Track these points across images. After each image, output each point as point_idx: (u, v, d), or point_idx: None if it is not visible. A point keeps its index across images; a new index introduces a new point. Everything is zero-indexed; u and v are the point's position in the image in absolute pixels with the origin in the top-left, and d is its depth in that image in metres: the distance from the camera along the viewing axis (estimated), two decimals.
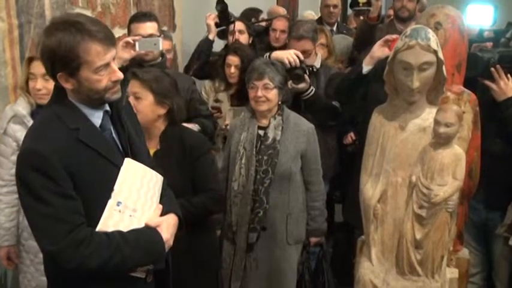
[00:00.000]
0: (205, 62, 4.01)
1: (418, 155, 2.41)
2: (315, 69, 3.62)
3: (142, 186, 2.00)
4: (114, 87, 1.89)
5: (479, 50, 3.10)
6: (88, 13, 3.55)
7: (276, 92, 2.99)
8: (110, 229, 1.89)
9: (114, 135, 2.00)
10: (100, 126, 1.95)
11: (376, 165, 2.51)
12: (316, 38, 3.70)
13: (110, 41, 1.84)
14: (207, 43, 4.01)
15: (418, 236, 2.40)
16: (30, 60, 2.78)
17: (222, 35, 4.16)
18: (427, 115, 2.44)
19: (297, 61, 3.40)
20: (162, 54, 3.30)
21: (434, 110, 2.40)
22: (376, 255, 2.52)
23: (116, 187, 1.91)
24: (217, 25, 4.01)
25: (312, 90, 3.52)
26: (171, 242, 2.03)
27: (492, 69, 2.87)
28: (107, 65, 1.84)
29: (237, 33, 4.03)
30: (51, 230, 1.80)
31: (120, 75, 1.89)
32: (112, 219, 1.90)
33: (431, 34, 2.35)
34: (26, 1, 3.13)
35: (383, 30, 4.46)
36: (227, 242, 3.11)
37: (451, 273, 2.59)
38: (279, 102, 3.05)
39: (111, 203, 1.90)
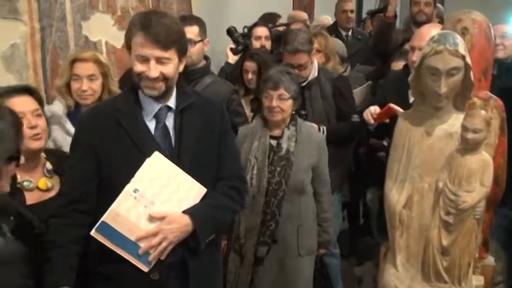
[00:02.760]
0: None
1: (445, 161, 2.40)
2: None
3: (169, 185, 2.02)
4: (149, 82, 1.99)
5: None
6: (108, 17, 3.57)
7: (291, 102, 2.88)
8: (122, 212, 1.96)
9: (170, 130, 2.07)
10: (155, 116, 2.06)
11: (402, 170, 2.49)
12: (312, 48, 3.44)
13: (157, 41, 1.94)
14: (228, 67, 4.00)
15: (445, 242, 2.38)
16: (74, 61, 2.79)
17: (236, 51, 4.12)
18: (454, 121, 2.43)
19: (372, 121, 3.07)
20: (206, 58, 3.29)
21: (461, 116, 2.38)
22: (401, 262, 2.50)
23: (137, 174, 1.96)
24: (233, 50, 4.00)
25: (323, 133, 3.32)
26: (171, 238, 1.99)
27: None
28: (146, 58, 1.96)
29: (263, 40, 4.05)
30: (61, 193, 2.08)
31: (154, 75, 1.96)
32: (126, 203, 1.97)
33: (459, 39, 2.34)
34: (48, 5, 3.14)
35: (399, 34, 4.45)
36: (233, 254, 2.98)
37: (477, 280, 2.56)
38: (293, 112, 2.95)
39: (128, 188, 1.96)
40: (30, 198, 2.13)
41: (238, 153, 2.52)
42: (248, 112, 3.61)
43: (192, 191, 2.07)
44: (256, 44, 4.16)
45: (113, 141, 2.00)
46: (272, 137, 2.93)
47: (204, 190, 2.09)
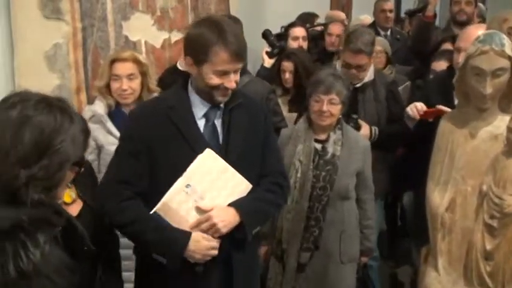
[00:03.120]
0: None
1: (490, 164, 2.35)
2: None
3: (219, 181, 2.09)
4: (223, 90, 2.08)
5: None
6: (147, 17, 3.60)
7: (340, 107, 2.80)
8: (174, 205, 2.04)
9: (218, 128, 2.15)
10: (204, 115, 2.14)
11: (445, 172, 2.44)
12: (373, 50, 3.41)
13: (238, 56, 2.05)
14: (264, 71, 4.00)
15: (489, 246, 2.33)
16: (113, 62, 2.82)
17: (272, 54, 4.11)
18: (499, 122, 2.37)
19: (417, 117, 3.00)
20: None
21: (506, 118, 2.33)
22: (443, 265, 2.45)
23: (188, 170, 2.04)
24: (269, 54, 3.99)
25: (375, 135, 3.29)
26: (221, 227, 2.06)
27: None
28: (226, 73, 2.04)
29: (300, 40, 4.03)
30: (107, 172, 2.16)
31: (234, 85, 2.07)
32: (178, 196, 2.05)
33: (506, 39, 2.29)
34: (90, 5, 3.18)
35: (439, 34, 4.38)
36: (274, 260, 2.91)
37: None
38: (339, 116, 2.89)
39: (181, 182, 2.04)
40: None
41: (280, 152, 2.55)
42: (285, 112, 3.60)
43: (240, 187, 2.14)
44: (293, 44, 4.15)
45: (165, 138, 2.08)
46: (317, 141, 2.86)
47: (250, 186, 2.16)
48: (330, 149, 2.81)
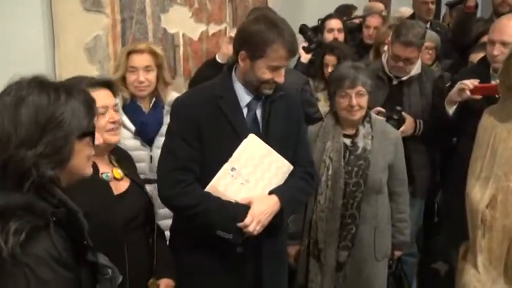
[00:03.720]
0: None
1: None
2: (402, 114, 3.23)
3: (262, 164, 2.22)
4: (271, 84, 2.21)
5: None
6: (185, 10, 3.62)
7: (367, 97, 2.75)
8: (221, 188, 2.18)
9: (259, 117, 2.29)
10: (247, 105, 2.27)
11: (486, 168, 2.39)
12: (423, 44, 3.34)
13: (293, 53, 2.23)
14: (301, 66, 3.97)
15: None
16: (129, 53, 2.79)
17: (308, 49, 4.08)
18: None
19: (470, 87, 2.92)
20: None
21: None
22: (482, 263, 2.40)
23: (234, 154, 2.18)
24: (306, 49, 3.95)
25: (420, 128, 3.24)
26: (263, 220, 2.18)
27: None
28: (279, 67, 2.18)
29: (336, 32, 3.99)
30: (165, 159, 2.26)
31: (283, 80, 2.21)
32: (224, 180, 2.19)
33: None
34: None
35: (480, 26, 4.27)
36: (313, 261, 2.84)
37: None
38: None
39: (226, 166, 2.18)
40: (114, 189, 2.14)
41: (308, 141, 2.64)
42: (327, 107, 3.56)
43: (282, 168, 2.27)
44: (328, 37, 4.11)
45: (213, 125, 2.21)
46: (346, 136, 2.80)
47: (291, 167, 2.30)
48: (361, 143, 2.75)
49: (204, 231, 2.21)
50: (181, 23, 3.56)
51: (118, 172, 2.16)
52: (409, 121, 3.19)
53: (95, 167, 2.02)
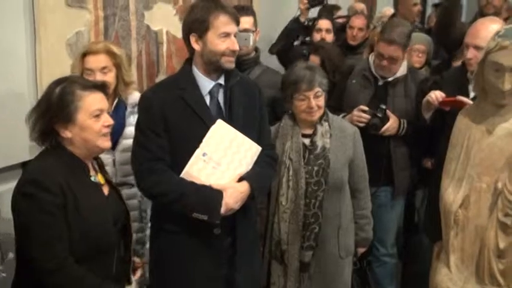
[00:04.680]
0: (289, 45, 4.05)
1: (506, 161, 2.31)
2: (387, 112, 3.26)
3: (231, 147, 2.36)
4: (230, 55, 2.34)
5: None
6: (169, 7, 3.63)
7: (324, 96, 2.77)
8: (195, 173, 2.31)
9: (222, 104, 2.42)
10: (209, 92, 2.40)
11: (460, 169, 2.42)
12: (408, 44, 3.34)
13: (235, 17, 2.35)
14: (295, 24, 4.04)
15: (502, 245, 2.31)
16: (84, 55, 2.71)
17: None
18: None
19: (435, 102, 2.99)
20: (256, 49, 3.31)
21: None
22: (455, 263, 2.44)
23: (204, 140, 2.31)
24: (307, 9, 4.04)
25: (403, 128, 3.27)
26: (235, 207, 2.35)
27: None
28: (228, 34, 2.32)
29: (323, 32, 4.03)
30: (138, 154, 2.38)
31: (237, 48, 2.34)
32: (197, 165, 2.32)
33: None
34: None
35: (465, 26, 4.30)
36: (275, 263, 2.85)
37: None
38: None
39: (197, 152, 2.31)
40: None
41: (269, 127, 2.76)
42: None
43: (250, 150, 2.41)
44: (316, 37, 4.15)
45: (180, 116, 2.35)
46: (304, 135, 2.80)
47: (259, 148, 2.44)
48: (319, 142, 2.75)
49: (181, 215, 2.34)
50: (165, 20, 3.57)
51: (102, 178, 2.19)
52: (393, 120, 3.23)
53: (87, 169, 2.10)
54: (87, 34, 3.08)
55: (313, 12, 4.36)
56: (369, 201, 2.99)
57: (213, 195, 2.31)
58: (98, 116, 2.05)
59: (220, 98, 2.43)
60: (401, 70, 3.33)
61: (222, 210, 2.31)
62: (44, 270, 1.91)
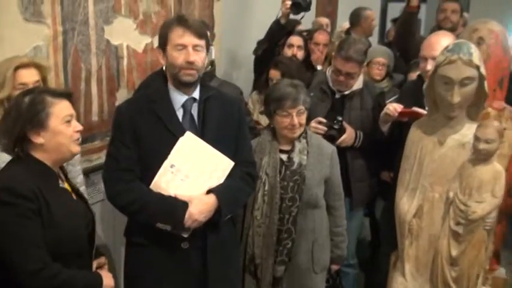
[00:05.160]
0: (271, 48, 4.09)
1: (457, 171, 2.39)
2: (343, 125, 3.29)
3: (200, 160, 2.35)
4: (187, 68, 2.32)
5: None
6: (130, 21, 3.62)
7: (306, 114, 2.80)
8: (163, 185, 2.32)
9: (195, 117, 2.42)
10: (182, 106, 2.41)
11: (413, 179, 2.49)
12: (364, 60, 3.40)
13: (193, 30, 2.31)
14: (276, 26, 4.09)
15: (454, 253, 2.37)
16: (17, 68, 2.58)
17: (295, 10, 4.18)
18: (467, 131, 2.42)
19: (395, 114, 3.04)
20: (211, 63, 3.35)
21: (474, 126, 2.38)
22: (410, 271, 2.50)
23: (172, 152, 2.31)
24: (288, 14, 4.09)
25: (360, 139, 3.31)
26: (200, 218, 2.32)
27: None
28: (185, 46, 2.31)
29: (295, 48, 4.10)
30: (107, 164, 2.44)
31: (192, 59, 2.30)
32: (165, 176, 2.32)
33: (473, 49, 2.33)
34: (71, 8, 3.19)
35: (424, 39, 4.42)
36: (249, 276, 2.85)
37: None
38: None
39: (166, 164, 2.32)
40: None
41: (251, 144, 2.74)
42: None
43: (221, 164, 2.40)
44: (288, 52, 4.20)
45: (150, 128, 2.37)
46: (282, 151, 2.82)
47: (232, 163, 2.41)
48: (296, 158, 2.77)
49: (148, 227, 2.34)
50: (125, 34, 3.56)
51: (67, 185, 2.21)
52: (349, 131, 3.28)
53: (56, 176, 2.14)
54: (45, 49, 3.05)
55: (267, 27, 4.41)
56: (344, 219, 3.01)
57: (177, 205, 2.31)
58: (68, 121, 2.10)
59: (195, 112, 2.44)
60: (358, 84, 3.40)
61: (187, 220, 2.29)
62: (25, 273, 1.95)
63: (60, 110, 2.08)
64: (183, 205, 2.31)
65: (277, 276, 2.80)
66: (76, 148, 2.14)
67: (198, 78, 2.40)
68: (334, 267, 3.04)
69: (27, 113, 2.03)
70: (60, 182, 2.16)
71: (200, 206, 2.33)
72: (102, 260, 2.35)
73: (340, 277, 3.26)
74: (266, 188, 2.76)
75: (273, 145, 2.82)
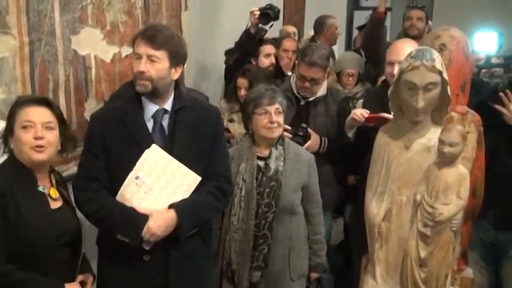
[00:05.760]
0: (243, 57, 4.13)
1: (423, 174, 2.44)
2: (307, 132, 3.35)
3: (165, 173, 2.34)
4: (139, 78, 2.33)
5: (489, 75, 3.15)
6: (97, 32, 3.61)
7: (283, 116, 2.86)
8: (127, 196, 2.33)
9: (166, 128, 2.42)
10: (152, 116, 2.41)
11: (381, 183, 2.53)
12: (328, 65, 3.46)
13: (148, 38, 2.31)
14: (247, 35, 4.13)
15: (423, 254, 2.42)
16: None
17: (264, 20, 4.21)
18: (432, 135, 2.47)
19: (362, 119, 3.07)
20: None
21: (438, 130, 2.43)
22: (380, 274, 2.53)
23: (137, 163, 2.32)
24: (257, 24, 4.12)
25: (324, 145, 3.38)
26: (158, 233, 2.32)
27: (501, 94, 2.91)
28: (139, 56, 2.32)
29: (272, 57, 4.19)
30: (79, 171, 2.47)
31: (139, 68, 2.31)
32: (130, 188, 2.33)
33: (436, 55, 2.39)
34: (37, 19, 3.17)
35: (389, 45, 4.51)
36: (227, 282, 2.89)
37: None
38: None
39: (131, 175, 2.32)
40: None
41: (228, 156, 2.70)
42: (242, 129, 3.63)
43: (187, 178, 2.38)
44: (265, 62, 4.25)
45: (118, 138, 2.38)
46: (259, 158, 2.86)
47: (198, 178, 2.40)
48: (273, 165, 2.80)
49: (107, 235, 2.38)
50: (92, 45, 3.54)
51: (54, 192, 2.27)
52: (314, 138, 3.32)
53: (34, 179, 2.20)
54: (11, 60, 3.02)
55: (235, 39, 4.43)
56: (323, 227, 3.05)
57: (136, 218, 2.32)
58: (25, 127, 2.15)
59: (166, 123, 2.43)
60: (322, 90, 3.46)
61: (145, 234, 2.30)
62: None
63: (20, 116, 2.18)
64: (142, 218, 2.31)
65: (254, 282, 2.83)
66: (35, 155, 2.16)
67: (155, 89, 2.36)
68: (314, 275, 3.06)
69: (7, 119, 2.21)
70: (42, 185, 2.21)
71: (159, 221, 2.32)
72: (90, 278, 2.39)
73: (322, 285, 3.28)
74: (243, 193, 2.79)
75: (251, 151, 2.85)
